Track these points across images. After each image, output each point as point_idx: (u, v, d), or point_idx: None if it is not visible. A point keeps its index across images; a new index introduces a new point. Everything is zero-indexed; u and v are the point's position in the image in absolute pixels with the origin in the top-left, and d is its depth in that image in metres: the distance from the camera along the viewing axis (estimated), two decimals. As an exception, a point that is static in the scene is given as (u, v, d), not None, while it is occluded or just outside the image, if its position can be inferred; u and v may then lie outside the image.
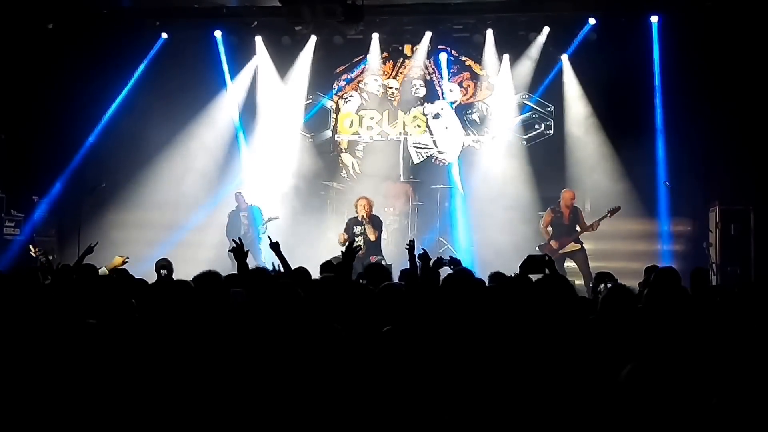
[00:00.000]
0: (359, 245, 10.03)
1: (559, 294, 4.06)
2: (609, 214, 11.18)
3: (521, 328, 3.96)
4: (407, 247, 5.96)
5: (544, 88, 13.40)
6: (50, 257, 7.92)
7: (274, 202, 13.03)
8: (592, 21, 12.84)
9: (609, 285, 5.55)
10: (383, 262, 10.29)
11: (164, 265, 8.20)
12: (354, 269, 7.89)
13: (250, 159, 13.82)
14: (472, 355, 3.73)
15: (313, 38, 13.69)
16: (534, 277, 4.79)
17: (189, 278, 5.10)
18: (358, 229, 10.67)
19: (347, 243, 5.58)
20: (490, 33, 13.43)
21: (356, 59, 14.13)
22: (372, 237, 10.58)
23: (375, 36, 13.71)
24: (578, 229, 11.34)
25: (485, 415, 3.49)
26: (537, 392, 3.47)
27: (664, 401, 2.75)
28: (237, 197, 12.58)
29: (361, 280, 6.06)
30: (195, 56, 13.71)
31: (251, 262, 5.86)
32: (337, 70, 14.25)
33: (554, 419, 3.40)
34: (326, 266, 6.64)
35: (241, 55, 13.92)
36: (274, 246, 6.23)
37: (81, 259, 7.30)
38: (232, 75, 13.90)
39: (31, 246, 8.91)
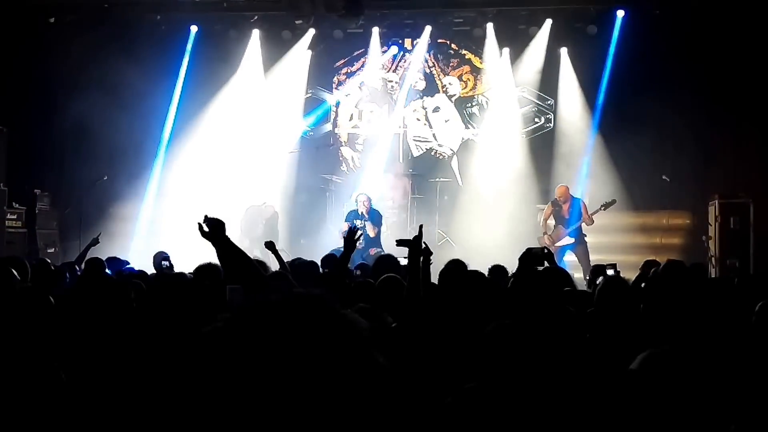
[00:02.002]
0: (360, 233, 10.14)
1: (557, 286, 4.09)
2: (602, 208, 11.26)
3: (523, 320, 3.98)
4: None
5: (544, 82, 13.42)
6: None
7: (275, 196, 13.07)
8: (592, 14, 12.87)
9: (606, 276, 5.58)
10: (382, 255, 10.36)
11: (165, 257, 8.19)
12: (353, 261, 7.94)
13: (250, 153, 13.81)
14: (472, 349, 3.75)
15: (311, 31, 13.68)
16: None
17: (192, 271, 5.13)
18: (358, 223, 10.77)
19: (349, 231, 5.53)
20: (490, 26, 13.43)
21: (356, 53, 14.13)
22: (371, 234, 10.75)
23: (375, 30, 13.69)
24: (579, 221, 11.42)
25: (488, 409, 3.51)
26: (541, 386, 3.49)
27: (675, 391, 2.75)
28: (266, 205, 12.59)
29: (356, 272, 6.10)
30: (196, 50, 13.73)
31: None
32: (337, 64, 14.25)
33: (558, 413, 3.41)
34: (327, 260, 6.68)
35: (241, 49, 13.92)
36: (269, 245, 6.27)
37: (85, 252, 7.25)
38: (233, 68, 13.89)
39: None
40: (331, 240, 12.07)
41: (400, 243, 4.68)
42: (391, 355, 3.56)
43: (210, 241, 4.40)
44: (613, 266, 6.33)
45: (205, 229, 4.40)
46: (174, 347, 3.82)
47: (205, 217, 4.45)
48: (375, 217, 11.26)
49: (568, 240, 11.33)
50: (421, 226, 4.56)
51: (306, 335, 1.37)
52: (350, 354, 1.36)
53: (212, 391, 1.35)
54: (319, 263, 6.66)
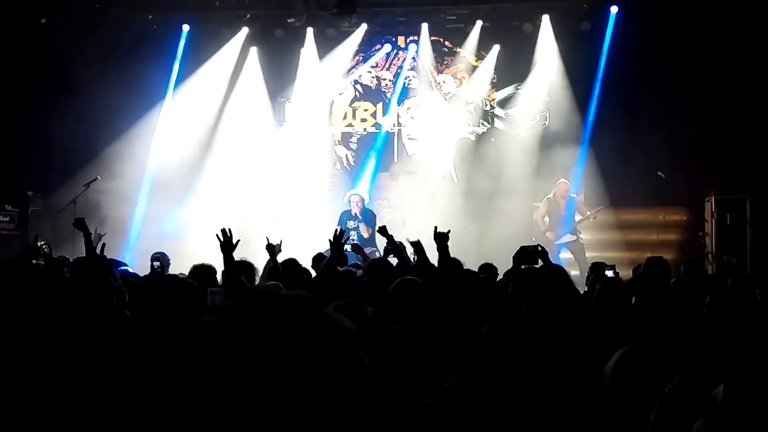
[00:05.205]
0: (344, 234, 10.15)
1: (555, 284, 4.04)
2: (592, 217, 11.41)
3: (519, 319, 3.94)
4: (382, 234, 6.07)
5: (538, 79, 13.37)
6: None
7: (270, 194, 13.01)
8: (585, 10, 12.85)
9: (606, 278, 5.55)
10: (376, 254, 10.33)
11: (157, 258, 8.12)
12: (349, 261, 7.88)
13: (245, 153, 13.75)
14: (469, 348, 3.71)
15: (310, 30, 13.58)
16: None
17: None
18: (351, 224, 10.74)
19: (335, 234, 5.54)
20: (484, 24, 13.39)
21: (349, 51, 14.04)
22: (365, 234, 10.73)
23: (363, 26, 13.58)
24: (576, 219, 11.41)
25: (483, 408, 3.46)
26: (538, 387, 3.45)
27: (651, 389, 2.71)
28: (276, 221, 12.22)
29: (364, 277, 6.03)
30: (189, 49, 13.67)
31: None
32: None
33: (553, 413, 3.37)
34: (318, 258, 6.64)
35: (233, 48, 13.84)
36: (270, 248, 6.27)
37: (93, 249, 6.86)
38: (225, 68, 13.81)
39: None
40: (325, 239, 12.04)
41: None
42: (388, 354, 3.51)
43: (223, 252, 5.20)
44: (612, 267, 6.28)
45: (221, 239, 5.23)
46: (162, 347, 3.78)
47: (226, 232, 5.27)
48: (368, 217, 11.19)
49: (569, 237, 11.32)
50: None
51: (290, 336, 1.35)
52: (334, 354, 1.34)
53: (199, 391, 1.34)
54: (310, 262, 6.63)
